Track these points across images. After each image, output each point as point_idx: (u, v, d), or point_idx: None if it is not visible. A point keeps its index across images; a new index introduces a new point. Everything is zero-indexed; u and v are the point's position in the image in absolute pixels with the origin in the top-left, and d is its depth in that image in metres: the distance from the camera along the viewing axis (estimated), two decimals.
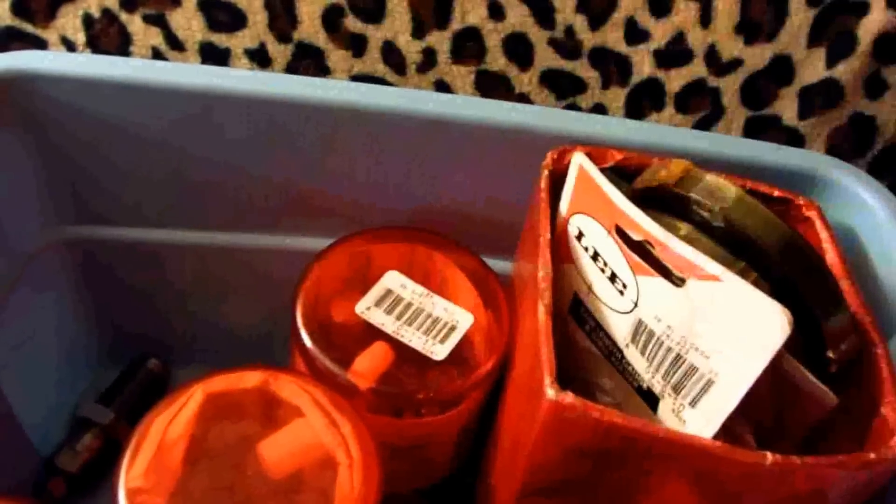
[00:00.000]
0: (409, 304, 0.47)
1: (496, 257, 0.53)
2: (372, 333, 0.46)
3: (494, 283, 0.49)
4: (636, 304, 0.38)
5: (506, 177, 0.52)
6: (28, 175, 0.52)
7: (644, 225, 0.37)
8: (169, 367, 0.63)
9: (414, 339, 0.45)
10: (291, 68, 0.61)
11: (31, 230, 0.54)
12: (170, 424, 0.39)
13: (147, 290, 0.60)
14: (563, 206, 0.42)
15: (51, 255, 0.55)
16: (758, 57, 0.59)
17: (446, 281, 0.49)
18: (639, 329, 0.39)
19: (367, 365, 0.44)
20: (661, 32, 0.59)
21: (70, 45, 0.60)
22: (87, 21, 0.59)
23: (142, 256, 0.57)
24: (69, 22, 0.59)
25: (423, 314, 0.47)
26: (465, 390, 0.45)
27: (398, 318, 0.46)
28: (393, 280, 0.48)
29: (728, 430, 0.36)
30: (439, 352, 0.45)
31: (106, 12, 0.59)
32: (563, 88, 0.61)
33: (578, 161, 0.41)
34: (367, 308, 0.46)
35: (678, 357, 0.37)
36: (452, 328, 0.46)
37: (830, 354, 0.38)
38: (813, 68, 0.59)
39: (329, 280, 0.48)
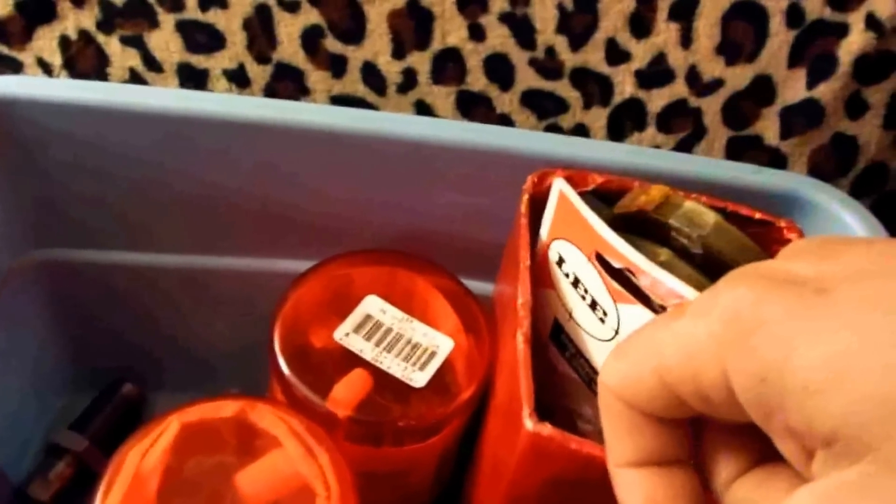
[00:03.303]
0: (389, 330, 0.47)
1: (478, 280, 0.52)
2: (351, 360, 0.45)
3: (475, 307, 0.49)
4: (617, 332, 0.38)
5: (487, 199, 0.51)
6: (1, 198, 0.51)
7: (624, 252, 0.37)
8: (144, 392, 0.63)
9: (393, 366, 0.45)
10: (270, 89, 0.61)
11: (2, 253, 0.53)
12: (144, 456, 0.38)
13: (121, 314, 0.59)
14: (544, 231, 0.42)
15: (21, 278, 0.55)
16: (739, 77, 0.59)
17: (427, 305, 0.49)
18: None
19: (346, 393, 0.44)
20: (641, 53, 0.59)
21: (47, 68, 0.60)
22: (64, 43, 0.59)
23: (116, 280, 0.57)
24: (46, 44, 0.59)
25: (403, 340, 0.46)
26: (445, 417, 0.45)
27: (377, 344, 0.46)
28: (372, 305, 0.48)
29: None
30: (419, 379, 0.45)
31: (83, 34, 0.59)
32: (545, 109, 0.61)
33: (559, 186, 0.41)
34: (346, 334, 0.46)
35: None
36: (432, 354, 0.46)
37: None
38: (794, 89, 0.59)
39: (308, 305, 0.48)
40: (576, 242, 0.39)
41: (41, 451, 0.58)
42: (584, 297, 0.39)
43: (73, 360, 0.62)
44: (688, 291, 0.35)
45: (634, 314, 0.37)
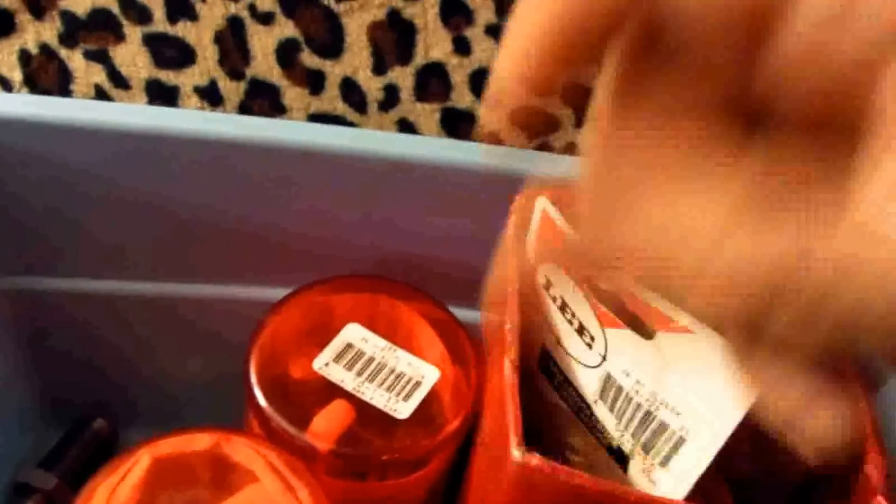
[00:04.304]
0: (371, 359, 0.48)
1: (465, 307, 0.54)
2: (331, 391, 0.47)
3: (462, 335, 0.51)
4: (605, 358, 0.40)
5: (474, 221, 0.53)
6: None
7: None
8: (116, 427, 0.64)
9: (376, 396, 0.47)
10: (244, 107, 0.62)
11: None
12: (114, 492, 0.39)
13: (90, 345, 0.60)
14: (530, 253, 0.44)
15: None
16: None
17: (411, 333, 0.51)
18: (607, 384, 0.40)
19: (327, 425, 0.45)
20: None
21: (6, 83, 0.61)
22: (24, 58, 0.60)
23: (83, 309, 0.58)
24: (4, 59, 0.60)
25: (386, 369, 0.48)
26: (431, 451, 0.46)
27: (359, 374, 0.47)
28: (354, 333, 0.49)
29: (703, 491, 0.37)
30: (403, 410, 0.46)
31: (44, 48, 0.60)
32: (535, 127, 0.62)
33: (542, 206, 0.42)
34: (326, 364, 0.48)
35: (648, 414, 0.38)
36: (417, 384, 0.47)
37: None
38: None
39: (286, 333, 0.49)
40: (562, 265, 0.41)
41: (9, 490, 0.59)
42: (571, 322, 0.41)
43: (41, 394, 0.63)
44: (677, 314, 0.36)
45: (623, 339, 0.39)
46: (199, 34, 0.60)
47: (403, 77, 0.61)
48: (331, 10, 0.58)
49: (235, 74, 0.61)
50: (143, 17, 0.59)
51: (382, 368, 0.48)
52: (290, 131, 0.51)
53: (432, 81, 0.61)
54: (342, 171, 0.52)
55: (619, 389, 0.39)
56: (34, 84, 0.62)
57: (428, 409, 0.47)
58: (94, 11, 0.59)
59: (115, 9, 0.59)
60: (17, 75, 0.61)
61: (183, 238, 0.55)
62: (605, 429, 0.41)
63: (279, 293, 0.51)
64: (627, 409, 0.39)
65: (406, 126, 0.63)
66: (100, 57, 0.61)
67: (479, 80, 0.61)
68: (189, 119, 0.51)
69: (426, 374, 0.48)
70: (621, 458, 0.40)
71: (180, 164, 0.51)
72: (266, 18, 0.59)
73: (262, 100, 0.62)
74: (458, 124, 0.63)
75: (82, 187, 0.52)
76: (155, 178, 0.52)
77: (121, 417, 0.64)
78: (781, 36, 0.19)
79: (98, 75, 0.61)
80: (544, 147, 0.63)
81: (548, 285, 0.42)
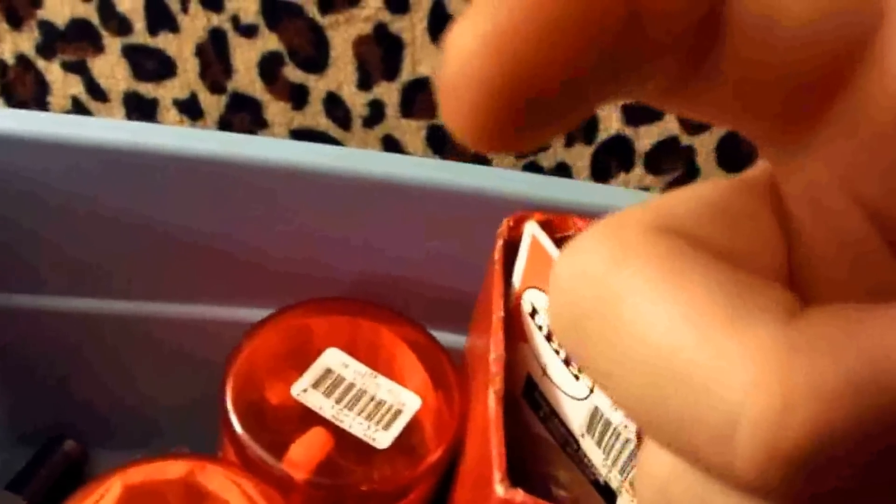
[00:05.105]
0: (351, 386, 0.48)
1: (449, 331, 0.53)
2: (309, 418, 0.46)
3: (445, 361, 0.50)
4: (592, 391, 0.39)
5: (460, 243, 0.52)
6: None
7: None
8: (87, 449, 0.63)
9: (355, 424, 0.46)
10: (225, 121, 0.62)
11: None
12: None
13: (61, 365, 0.60)
14: (517, 279, 0.43)
15: None
16: None
17: (393, 358, 0.50)
18: (595, 418, 0.39)
19: (304, 453, 0.45)
20: None
21: None
22: (1, 69, 0.60)
23: (54, 327, 0.57)
24: None
25: (366, 397, 0.47)
26: (411, 481, 0.45)
27: (338, 401, 0.47)
28: (333, 358, 0.49)
29: None
30: (382, 439, 0.46)
31: (21, 59, 0.60)
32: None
33: (531, 231, 0.42)
34: (304, 390, 0.47)
35: (637, 450, 0.38)
36: (398, 412, 0.47)
37: None
38: None
39: (263, 357, 0.49)
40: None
41: None
42: (557, 352, 0.41)
43: (10, 414, 0.62)
44: None
45: None
46: (180, 46, 0.60)
47: (389, 93, 0.61)
48: (316, 23, 0.58)
49: (216, 88, 0.61)
50: (124, 28, 0.59)
51: (362, 396, 0.47)
52: (271, 149, 0.51)
53: (419, 97, 0.61)
54: (324, 191, 0.51)
55: (608, 424, 0.39)
56: (10, 95, 0.61)
57: (409, 439, 0.46)
58: (74, 22, 0.59)
59: (95, 20, 0.58)
60: None
61: (160, 256, 0.54)
62: (593, 463, 0.40)
63: (257, 314, 0.51)
64: (615, 445, 0.39)
65: (391, 143, 0.62)
66: (78, 68, 0.60)
67: None
68: (168, 135, 0.51)
69: (407, 402, 0.48)
70: (608, 494, 0.40)
71: (159, 180, 0.51)
72: (249, 31, 0.59)
73: (244, 114, 0.61)
74: (444, 142, 0.62)
75: (58, 203, 0.52)
76: (132, 194, 0.51)
77: (92, 438, 0.63)
78: None
79: (76, 87, 0.61)
80: (533, 166, 0.63)
81: (533, 312, 0.42)
